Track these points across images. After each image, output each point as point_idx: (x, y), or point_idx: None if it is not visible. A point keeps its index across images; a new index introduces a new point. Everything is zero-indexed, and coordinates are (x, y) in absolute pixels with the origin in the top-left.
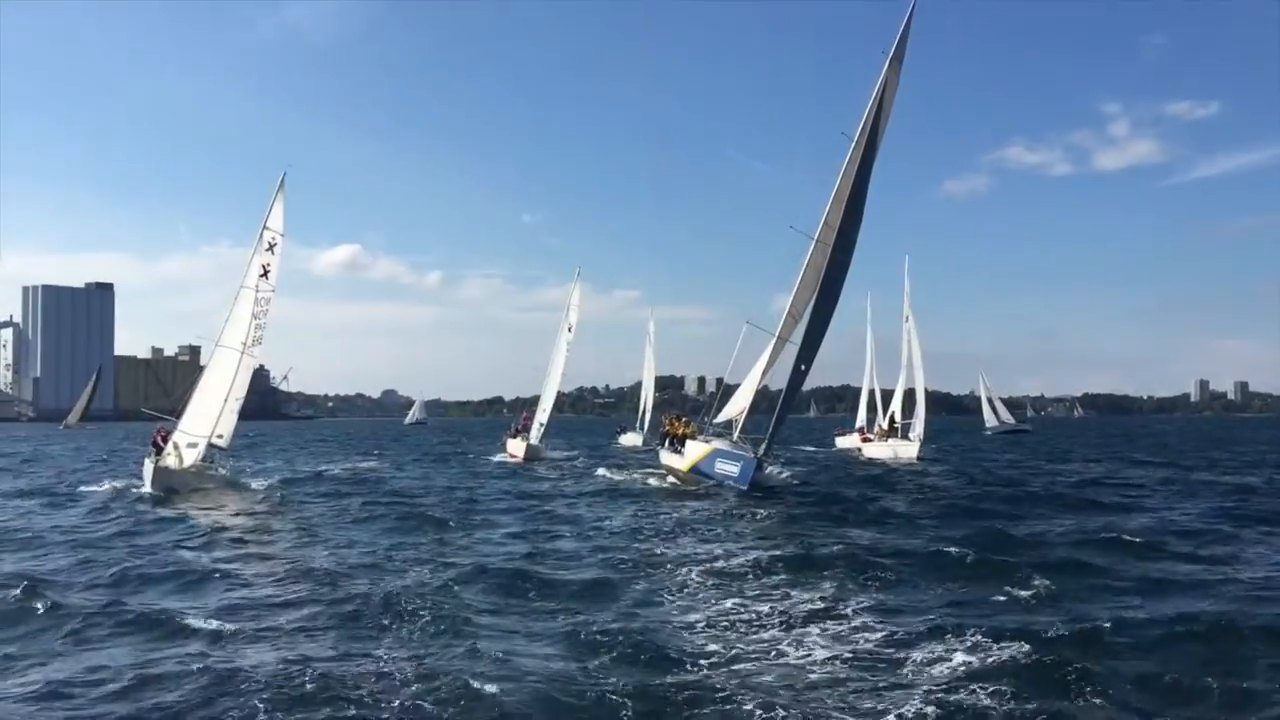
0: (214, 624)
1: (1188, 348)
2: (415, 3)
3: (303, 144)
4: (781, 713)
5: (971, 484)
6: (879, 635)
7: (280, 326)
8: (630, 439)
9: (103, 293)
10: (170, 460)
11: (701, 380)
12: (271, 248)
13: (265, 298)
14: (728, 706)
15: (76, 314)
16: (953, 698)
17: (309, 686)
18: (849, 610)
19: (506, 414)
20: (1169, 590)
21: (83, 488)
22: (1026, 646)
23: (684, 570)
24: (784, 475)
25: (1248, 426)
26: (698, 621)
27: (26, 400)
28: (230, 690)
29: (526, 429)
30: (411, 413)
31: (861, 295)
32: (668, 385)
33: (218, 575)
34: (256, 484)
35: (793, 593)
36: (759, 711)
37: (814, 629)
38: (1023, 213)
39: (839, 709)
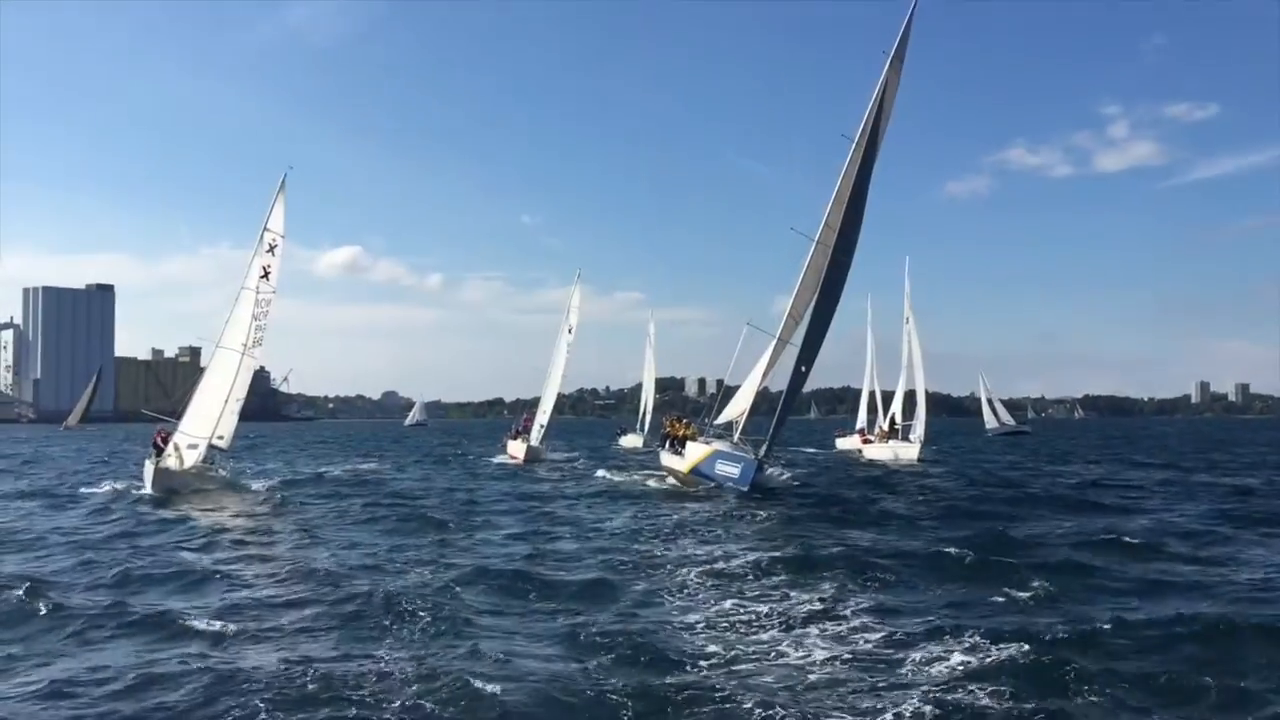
0: (215, 625)
1: (1188, 349)
2: (416, 4)
3: (303, 145)
4: (781, 712)
5: (972, 485)
6: (878, 636)
7: (281, 328)
8: (631, 440)
9: (103, 294)
10: (171, 461)
11: (702, 382)
12: (272, 249)
13: (266, 299)
14: (727, 706)
15: (77, 315)
16: (951, 697)
17: (310, 687)
18: (848, 611)
19: (507, 415)
20: (1167, 591)
21: (83, 489)
22: (1025, 647)
23: (684, 571)
24: (784, 477)
25: (1248, 428)
26: (697, 622)
27: (27, 401)
28: (232, 690)
29: (527, 430)
30: (412, 414)
31: (862, 296)
32: (668, 387)
33: (219, 576)
34: (257, 485)
35: (792, 594)
36: (758, 710)
37: (813, 629)
38: (1023, 214)
39: (838, 709)
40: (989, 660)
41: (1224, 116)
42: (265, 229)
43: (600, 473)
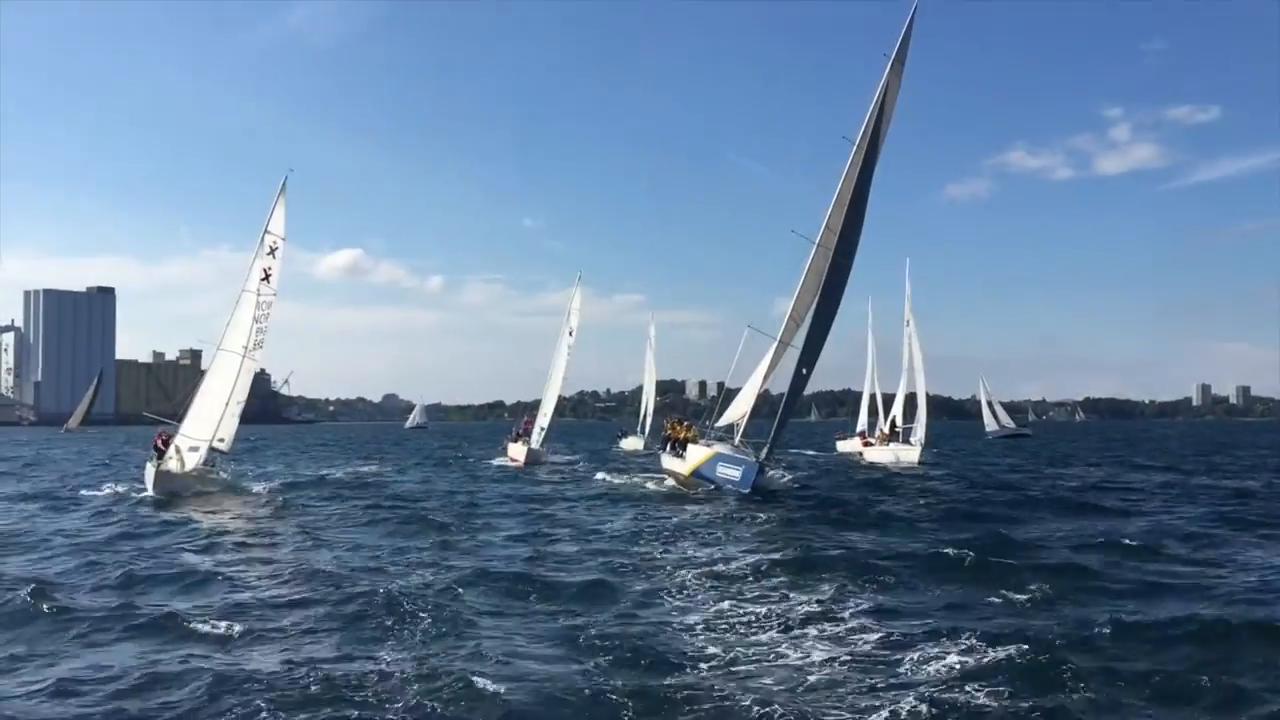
0: (219, 625)
1: (1189, 352)
2: (416, 6)
3: (304, 147)
4: (780, 712)
5: (972, 488)
6: (877, 637)
7: (281, 330)
8: (631, 443)
9: (104, 297)
10: (172, 464)
11: (703, 384)
12: (273, 251)
13: (267, 301)
14: (727, 706)
15: (78, 318)
16: (949, 697)
17: (313, 687)
18: (847, 613)
19: (507, 418)
20: (1165, 593)
21: (85, 491)
22: (1023, 648)
23: (683, 573)
24: (785, 479)
25: (1249, 431)
26: (697, 623)
27: (28, 404)
28: (235, 690)
29: (528, 433)
30: (412, 417)
31: (863, 299)
32: (669, 389)
33: (221, 577)
34: (258, 488)
35: (791, 595)
36: (757, 710)
37: (812, 630)
38: (1024, 217)
39: (836, 709)
40: (987, 661)
41: (1225, 119)
42: (266, 231)
43: (600, 475)
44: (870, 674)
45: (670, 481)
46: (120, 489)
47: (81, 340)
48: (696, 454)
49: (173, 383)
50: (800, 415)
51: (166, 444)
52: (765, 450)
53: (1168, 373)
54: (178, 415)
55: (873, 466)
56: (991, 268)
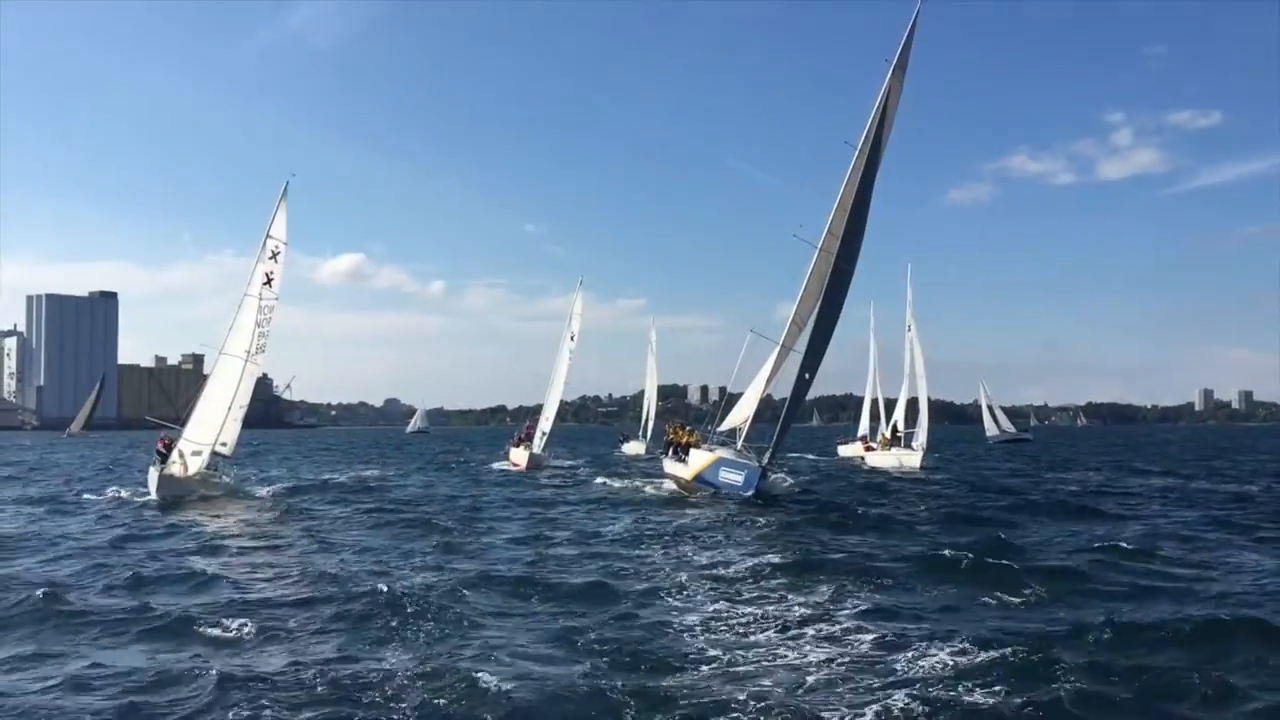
0: (226, 626)
1: (1191, 357)
2: (417, 8)
3: (305, 151)
4: (778, 711)
5: (972, 492)
6: (874, 637)
7: (283, 335)
8: (633, 448)
9: (106, 301)
10: (175, 468)
11: (704, 389)
12: (275, 256)
13: (269, 306)
14: (726, 706)
15: (80, 322)
16: (944, 695)
17: (320, 687)
18: (845, 614)
19: (509, 423)
20: (1159, 595)
21: (88, 495)
22: (1019, 648)
23: (683, 575)
24: (788, 484)
25: (1251, 435)
26: (696, 625)
27: (30, 409)
28: (243, 689)
29: (529, 438)
30: (413, 421)
31: (864, 304)
32: (670, 394)
33: (227, 580)
34: (262, 491)
35: (790, 597)
36: (755, 709)
37: (810, 631)
38: (1026, 221)
39: (834, 709)
40: (982, 660)
41: (1227, 124)
42: (268, 236)
43: (602, 479)
44: (867, 674)
45: (670, 485)
46: (124, 493)
47: (84, 345)
48: (699, 459)
49: (175, 387)
50: (802, 420)
51: (169, 448)
52: (768, 455)
53: (1170, 378)
54: (180, 419)
55: (874, 471)
56: (993, 272)
